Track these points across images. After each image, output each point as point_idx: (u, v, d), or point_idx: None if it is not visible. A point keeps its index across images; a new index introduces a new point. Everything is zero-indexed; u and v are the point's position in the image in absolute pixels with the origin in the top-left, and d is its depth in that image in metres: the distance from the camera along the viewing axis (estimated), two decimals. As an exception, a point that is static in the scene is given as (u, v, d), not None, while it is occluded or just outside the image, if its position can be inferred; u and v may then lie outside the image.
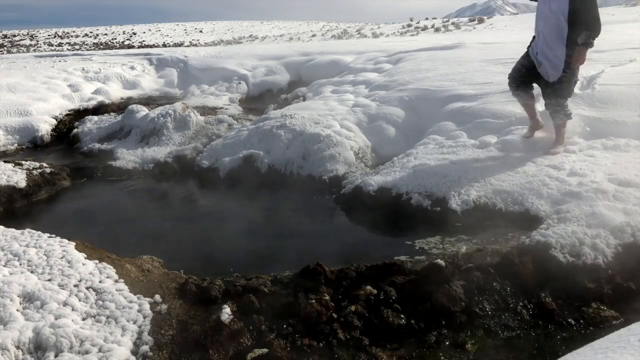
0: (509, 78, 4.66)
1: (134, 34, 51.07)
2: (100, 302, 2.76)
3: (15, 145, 7.72)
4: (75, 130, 8.15)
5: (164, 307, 2.79)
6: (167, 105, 7.64)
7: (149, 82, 11.68)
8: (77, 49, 33.87)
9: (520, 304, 2.79)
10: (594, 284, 2.87)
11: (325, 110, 6.72)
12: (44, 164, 6.05)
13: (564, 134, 4.51)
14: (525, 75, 4.49)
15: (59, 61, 13.57)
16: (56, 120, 8.60)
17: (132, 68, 12.16)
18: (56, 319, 2.55)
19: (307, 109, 6.80)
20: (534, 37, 4.44)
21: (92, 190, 5.80)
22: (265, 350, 2.53)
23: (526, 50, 4.52)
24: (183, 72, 12.20)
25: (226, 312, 2.73)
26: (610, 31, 12.78)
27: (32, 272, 2.98)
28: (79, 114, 8.99)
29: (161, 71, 12.39)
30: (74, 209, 5.28)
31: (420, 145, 5.33)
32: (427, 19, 34.00)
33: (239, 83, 11.04)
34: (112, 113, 8.98)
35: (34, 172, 5.73)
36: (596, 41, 4.15)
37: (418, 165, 4.73)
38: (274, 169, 5.67)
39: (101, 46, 39.95)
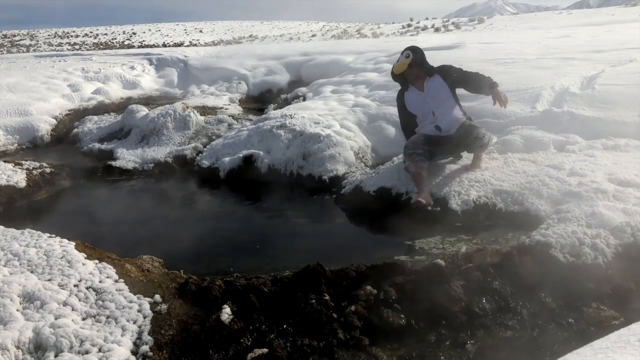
0: (409, 145, 4.47)
1: (134, 34, 51.08)
2: (100, 302, 2.76)
3: (15, 145, 7.72)
4: (75, 130, 8.15)
5: (164, 307, 2.78)
6: (167, 105, 7.64)
7: (149, 82, 11.69)
8: (77, 49, 33.89)
9: (520, 304, 2.79)
10: (594, 284, 2.86)
11: (325, 110, 6.72)
12: (44, 164, 6.05)
13: (481, 158, 4.48)
14: (427, 145, 4.41)
15: (59, 61, 13.58)
16: (56, 120, 8.60)
17: (132, 68, 12.16)
18: (56, 318, 2.55)
19: (307, 108, 6.80)
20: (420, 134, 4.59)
21: (92, 190, 5.80)
22: (265, 350, 2.53)
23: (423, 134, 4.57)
24: (183, 72, 12.21)
25: (226, 312, 2.73)
26: (610, 31, 12.80)
27: (32, 272, 2.98)
28: (79, 114, 8.99)
29: (161, 71, 12.40)
30: (74, 209, 5.28)
31: (420, 145, 5.32)
32: (427, 19, 34.04)
33: (239, 83, 11.05)
34: (112, 113, 8.98)
35: (34, 172, 5.73)
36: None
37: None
38: (274, 168, 5.67)
39: (101, 46, 39.96)
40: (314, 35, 32.73)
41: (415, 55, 4.39)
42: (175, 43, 40.75)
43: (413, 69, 4.43)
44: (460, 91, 6.59)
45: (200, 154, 6.41)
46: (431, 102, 4.52)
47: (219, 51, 14.27)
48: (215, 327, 2.64)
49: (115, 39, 47.12)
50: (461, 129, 4.40)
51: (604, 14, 23.37)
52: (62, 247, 3.31)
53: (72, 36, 50.87)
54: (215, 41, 40.86)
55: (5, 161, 5.97)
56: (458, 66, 4.60)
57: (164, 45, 37.09)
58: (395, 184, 4.53)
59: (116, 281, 2.97)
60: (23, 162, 6.04)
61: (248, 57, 12.58)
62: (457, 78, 4.45)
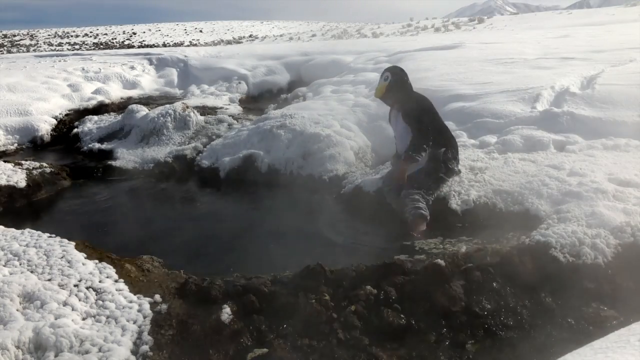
0: (385, 180, 4.44)
1: (134, 34, 51.07)
2: (100, 302, 2.76)
3: (15, 145, 7.72)
4: (75, 130, 8.15)
5: (164, 307, 2.78)
6: (167, 105, 7.65)
7: (149, 82, 11.68)
8: (77, 49, 33.89)
9: (520, 304, 2.79)
10: (594, 284, 2.86)
11: (325, 110, 6.72)
12: (44, 164, 6.05)
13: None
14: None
15: (59, 61, 13.57)
16: (56, 120, 8.60)
17: (132, 68, 12.16)
18: (56, 318, 2.55)
19: (307, 108, 6.80)
20: None
21: (92, 190, 5.80)
22: (265, 350, 2.53)
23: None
24: (183, 72, 12.20)
25: (226, 312, 2.73)
26: (610, 31, 12.80)
27: (32, 272, 2.98)
28: (79, 114, 8.99)
29: (161, 71, 12.40)
30: (74, 209, 5.28)
31: (420, 145, 5.32)
32: (427, 18, 34.04)
33: (239, 83, 11.05)
34: (112, 113, 8.98)
35: (34, 172, 5.73)
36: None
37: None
38: (274, 168, 5.67)
39: (101, 46, 39.96)
40: (314, 35, 32.71)
41: (393, 77, 4.16)
42: (175, 43, 40.76)
43: (390, 95, 4.22)
44: (459, 90, 6.62)
45: (200, 154, 6.41)
46: (395, 133, 4.43)
47: (219, 51, 14.27)
48: (215, 327, 2.64)
49: (115, 39, 47.12)
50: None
51: (604, 14, 23.37)
52: (62, 247, 3.31)
53: (72, 36, 50.87)
54: (215, 41, 40.88)
55: (5, 161, 5.97)
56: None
57: (164, 45, 37.10)
58: (395, 184, 4.52)
59: (116, 281, 2.97)
60: (23, 162, 6.04)
61: (248, 57, 12.58)
62: (407, 121, 4.17)
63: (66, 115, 8.93)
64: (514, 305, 2.78)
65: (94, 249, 3.41)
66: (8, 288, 2.71)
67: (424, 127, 4.12)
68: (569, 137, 4.87)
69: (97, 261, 3.18)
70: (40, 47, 41.13)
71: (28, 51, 34.20)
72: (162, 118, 7.20)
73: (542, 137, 4.90)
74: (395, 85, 4.21)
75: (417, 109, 4.14)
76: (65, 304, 2.68)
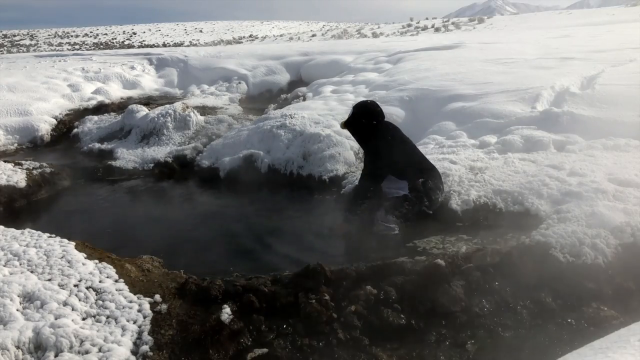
0: None
1: (134, 34, 51.11)
2: (100, 302, 2.76)
3: (15, 145, 7.73)
4: (75, 130, 8.16)
5: (164, 307, 2.78)
6: (167, 105, 7.65)
7: (149, 82, 11.69)
8: (77, 49, 33.91)
9: (520, 304, 2.79)
10: (594, 284, 2.86)
11: (325, 110, 6.72)
12: (44, 164, 6.05)
13: None
14: None
15: (59, 61, 13.58)
16: (56, 120, 8.61)
17: (132, 68, 12.17)
18: (56, 318, 2.55)
19: (307, 108, 6.81)
20: None
21: (92, 190, 5.80)
22: (265, 350, 2.53)
23: None
24: (183, 72, 12.21)
25: (226, 312, 2.73)
26: (610, 31, 12.81)
27: (32, 271, 2.98)
28: (79, 114, 9.00)
29: (161, 71, 12.40)
30: (74, 209, 5.28)
31: (420, 145, 5.32)
32: (427, 18, 34.07)
33: (239, 83, 11.05)
34: (112, 113, 8.99)
35: (34, 172, 5.73)
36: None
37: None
38: (274, 168, 5.67)
39: (101, 46, 39.99)
40: (314, 35, 32.74)
41: (352, 114, 4.10)
42: (175, 43, 40.80)
43: (351, 131, 4.22)
44: (459, 90, 6.63)
45: (200, 154, 6.41)
46: None
47: (219, 51, 14.27)
48: (215, 327, 2.64)
49: (115, 39, 47.15)
50: None
51: (604, 14, 23.39)
52: (62, 247, 3.31)
53: (72, 36, 50.90)
54: (215, 41, 40.91)
55: (5, 161, 5.97)
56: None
57: (164, 45, 37.12)
58: (395, 184, 4.52)
59: (116, 281, 2.97)
60: (23, 162, 6.04)
61: (248, 57, 12.58)
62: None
63: (66, 115, 8.93)
64: (514, 305, 2.77)
65: (94, 249, 3.41)
66: (8, 288, 2.71)
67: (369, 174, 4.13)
68: (569, 137, 4.86)
69: (97, 261, 3.17)
70: (40, 47, 41.16)
71: (28, 51, 34.24)
72: (162, 118, 7.21)
73: (542, 137, 4.89)
74: (351, 123, 4.14)
75: (370, 152, 4.11)
76: (65, 304, 2.68)
